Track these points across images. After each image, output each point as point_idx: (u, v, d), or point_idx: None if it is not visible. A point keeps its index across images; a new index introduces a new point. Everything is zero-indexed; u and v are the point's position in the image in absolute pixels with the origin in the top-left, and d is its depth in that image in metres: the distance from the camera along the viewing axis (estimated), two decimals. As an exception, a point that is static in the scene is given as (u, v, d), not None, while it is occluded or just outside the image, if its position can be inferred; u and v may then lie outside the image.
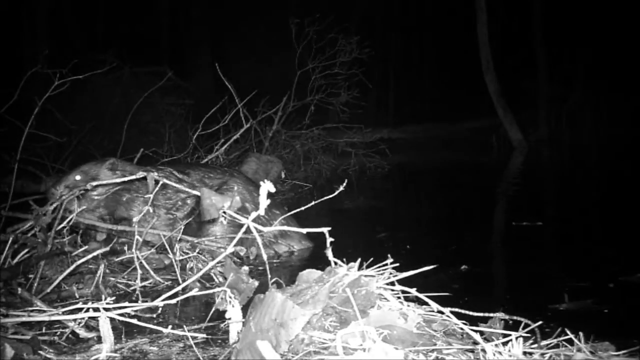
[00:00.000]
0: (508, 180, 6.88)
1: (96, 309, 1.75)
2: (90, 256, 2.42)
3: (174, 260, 2.60)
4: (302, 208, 2.02)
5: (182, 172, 3.08)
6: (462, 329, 1.58)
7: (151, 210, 2.68)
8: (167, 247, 2.62)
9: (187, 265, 2.67)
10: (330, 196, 2.08)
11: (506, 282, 2.83)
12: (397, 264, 1.76)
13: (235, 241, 1.92)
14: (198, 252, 2.79)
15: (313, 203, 2.11)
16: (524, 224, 3.81)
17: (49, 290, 2.28)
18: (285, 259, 3.15)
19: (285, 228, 2.60)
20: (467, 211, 4.77)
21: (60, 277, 2.29)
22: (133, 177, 2.55)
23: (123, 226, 2.80)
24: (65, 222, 2.64)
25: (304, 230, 1.88)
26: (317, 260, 2.98)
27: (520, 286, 2.62)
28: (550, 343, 1.52)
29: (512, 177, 7.23)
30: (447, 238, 3.59)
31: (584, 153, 10.19)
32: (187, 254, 2.71)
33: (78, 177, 2.92)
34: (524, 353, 1.44)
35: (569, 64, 13.33)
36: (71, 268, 2.34)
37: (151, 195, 2.47)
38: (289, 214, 2.64)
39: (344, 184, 2.00)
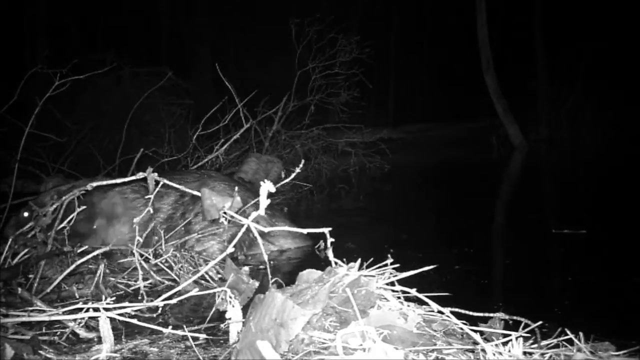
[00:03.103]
0: (513, 182, 6.86)
1: (96, 309, 1.75)
2: (90, 256, 2.43)
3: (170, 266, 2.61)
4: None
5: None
6: (462, 329, 1.58)
7: (151, 211, 2.68)
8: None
9: (175, 267, 2.67)
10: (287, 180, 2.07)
11: (506, 282, 2.83)
12: (398, 264, 1.76)
13: (235, 241, 1.92)
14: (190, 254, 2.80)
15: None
16: (565, 231, 3.49)
17: (49, 290, 2.28)
18: (285, 259, 3.15)
19: (287, 228, 2.60)
20: (482, 215, 4.57)
21: (60, 277, 2.29)
22: (133, 177, 2.54)
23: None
24: (65, 222, 2.64)
25: (305, 231, 1.88)
26: (317, 260, 2.99)
27: (524, 288, 2.62)
28: (550, 343, 1.52)
29: (516, 178, 7.23)
30: (468, 244, 3.46)
31: (585, 153, 10.19)
32: (175, 256, 2.71)
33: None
34: (524, 353, 1.44)
35: (569, 64, 13.33)
36: (71, 268, 2.35)
37: (151, 196, 2.47)
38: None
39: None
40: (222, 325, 1.94)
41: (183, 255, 2.71)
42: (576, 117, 13.22)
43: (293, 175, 2.04)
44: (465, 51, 13.82)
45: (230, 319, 1.76)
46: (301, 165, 2.04)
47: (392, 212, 5.00)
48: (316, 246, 3.26)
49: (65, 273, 2.30)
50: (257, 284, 1.88)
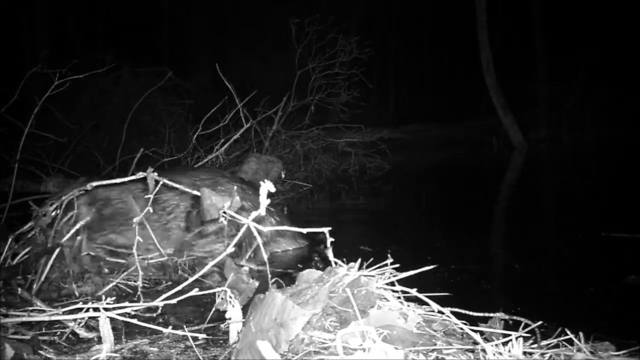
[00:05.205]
0: (512, 181, 6.85)
1: (96, 309, 1.75)
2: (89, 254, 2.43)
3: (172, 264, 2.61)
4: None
5: (173, 180, 3.07)
6: (462, 329, 1.58)
7: (151, 211, 2.68)
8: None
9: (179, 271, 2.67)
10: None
11: (507, 282, 2.83)
12: (398, 264, 1.76)
13: (235, 240, 1.92)
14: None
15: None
16: (617, 235, 3.24)
17: (43, 280, 2.27)
18: (285, 259, 3.15)
19: (286, 228, 2.60)
20: (482, 215, 4.59)
21: (59, 276, 2.29)
22: (133, 177, 2.54)
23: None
24: (64, 222, 2.64)
25: (304, 230, 1.87)
26: (317, 260, 2.99)
27: (523, 288, 2.62)
28: (550, 343, 1.52)
29: (516, 178, 7.22)
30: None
31: (585, 153, 10.18)
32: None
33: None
34: (524, 353, 1.44)
35: (569, 64, 13.34)
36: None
37: (151, 196, 2.46)
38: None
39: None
40: (222, 325, 1.94)
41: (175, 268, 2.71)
42: (576, 117, 13.23)
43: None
44: (465, 51, 13.83)
45: (230, 319, 1.75)
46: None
47: (392, 212, 5.00)
48: (321, 246, 3.26)
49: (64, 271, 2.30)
50: (257, 284, 1.88)
